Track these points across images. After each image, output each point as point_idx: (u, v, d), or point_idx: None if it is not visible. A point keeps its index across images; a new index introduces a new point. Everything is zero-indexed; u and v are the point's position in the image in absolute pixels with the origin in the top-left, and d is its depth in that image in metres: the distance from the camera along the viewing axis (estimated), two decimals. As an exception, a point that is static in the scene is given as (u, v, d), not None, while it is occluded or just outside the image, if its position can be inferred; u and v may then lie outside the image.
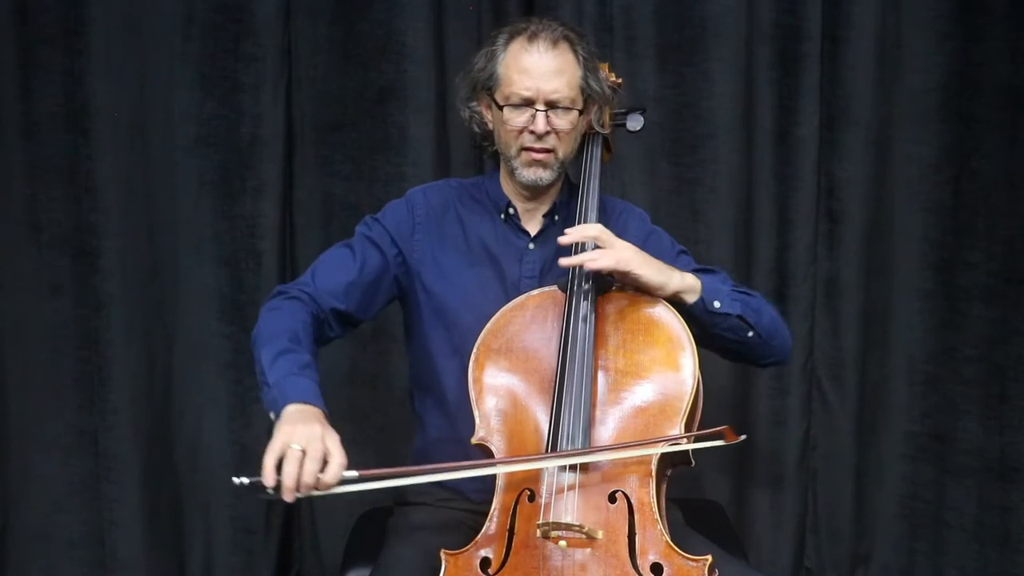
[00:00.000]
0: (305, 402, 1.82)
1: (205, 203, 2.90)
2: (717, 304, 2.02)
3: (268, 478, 1.70)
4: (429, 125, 2.87)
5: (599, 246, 1.97)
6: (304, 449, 1.71)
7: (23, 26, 2.80)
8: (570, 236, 1.98)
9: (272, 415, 1.83)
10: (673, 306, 1.99)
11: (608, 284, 2.01)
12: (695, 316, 2.01)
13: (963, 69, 2.80)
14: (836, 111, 2.90)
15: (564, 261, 1.97)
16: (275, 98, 2.87)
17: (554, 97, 2.04)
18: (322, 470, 1.72)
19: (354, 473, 1.76)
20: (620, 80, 2.22)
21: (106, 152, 2.83)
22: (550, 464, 1.86)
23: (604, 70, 2.17)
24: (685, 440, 1.87)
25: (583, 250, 1.98)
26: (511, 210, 2.17)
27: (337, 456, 1.73)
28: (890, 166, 2.91)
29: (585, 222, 2.05)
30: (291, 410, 1.80)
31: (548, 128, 2.04)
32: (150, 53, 2.85)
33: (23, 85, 2.82)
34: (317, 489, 1.73)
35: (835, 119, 2.91)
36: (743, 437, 1.88)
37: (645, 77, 2.87)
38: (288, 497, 1.71)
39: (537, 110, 2.03)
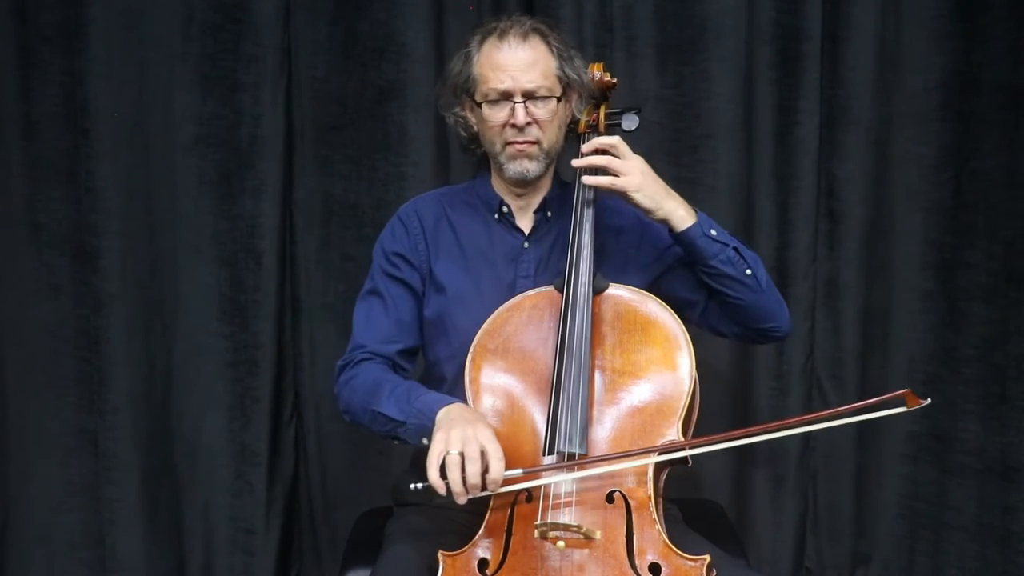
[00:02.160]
0: (443, 405, 1.89)
1: (205, 203, 2.90)
2: (714, 232, 2.04)
3: (438, 487, 1.77)
4: (429, 125, 2.87)
5: (613, 155, 2.02)
6: (461, 452, 1.77)
7: (23, 26, 2.81)
8: (585, 159, 2.05)
9: (425, 441, 1.87)
10: (671, 232, 2.03)
11: (604, 285, 2.02)
12: (692, 242, 2.03)
13: (963, 69, 2.79)
14: (836, 111, 2.90)
15: (589, 180, 2.04)
16: (275, 98, 2.87)
17: (530, 87, 2.06)
18: (485, 469, 1.77)
19: (519, 471, 1.82)
20: (615, 80, 2.22)
21: (106, 152, 2.83)
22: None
23: (599, 70, 2.18)
24: (863, 411, 1.83)
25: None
26: (504, 208, 2.18)
27: (493, 452, 1.78)
28: (890, 166, 2.90)
29: (581, 220, 2.05)
30: (440, 417, 1.87)
31: (529, 119, 2.06)
32: (150, 53, 2.85)
33: (23, 85, 2.83)
34: (486, 489, 1.79)
35: (835, 119, 2.90)
36: (928, 401, 1.80)
37: (645, 77, 2.87)
38: (461, 500, 1.78)
39: (515, 102, 2.06)
